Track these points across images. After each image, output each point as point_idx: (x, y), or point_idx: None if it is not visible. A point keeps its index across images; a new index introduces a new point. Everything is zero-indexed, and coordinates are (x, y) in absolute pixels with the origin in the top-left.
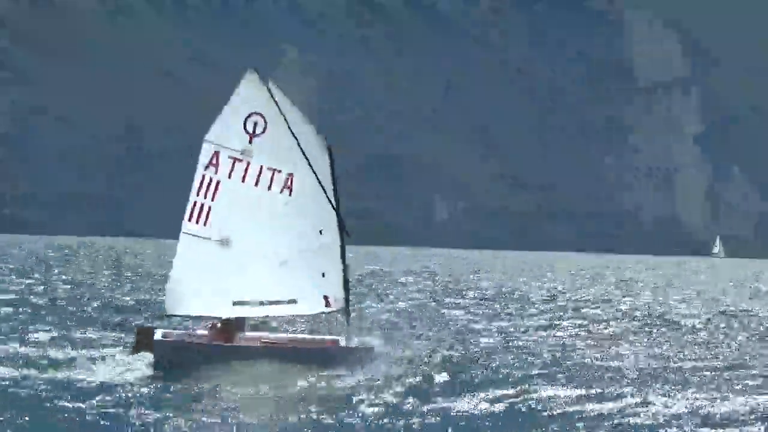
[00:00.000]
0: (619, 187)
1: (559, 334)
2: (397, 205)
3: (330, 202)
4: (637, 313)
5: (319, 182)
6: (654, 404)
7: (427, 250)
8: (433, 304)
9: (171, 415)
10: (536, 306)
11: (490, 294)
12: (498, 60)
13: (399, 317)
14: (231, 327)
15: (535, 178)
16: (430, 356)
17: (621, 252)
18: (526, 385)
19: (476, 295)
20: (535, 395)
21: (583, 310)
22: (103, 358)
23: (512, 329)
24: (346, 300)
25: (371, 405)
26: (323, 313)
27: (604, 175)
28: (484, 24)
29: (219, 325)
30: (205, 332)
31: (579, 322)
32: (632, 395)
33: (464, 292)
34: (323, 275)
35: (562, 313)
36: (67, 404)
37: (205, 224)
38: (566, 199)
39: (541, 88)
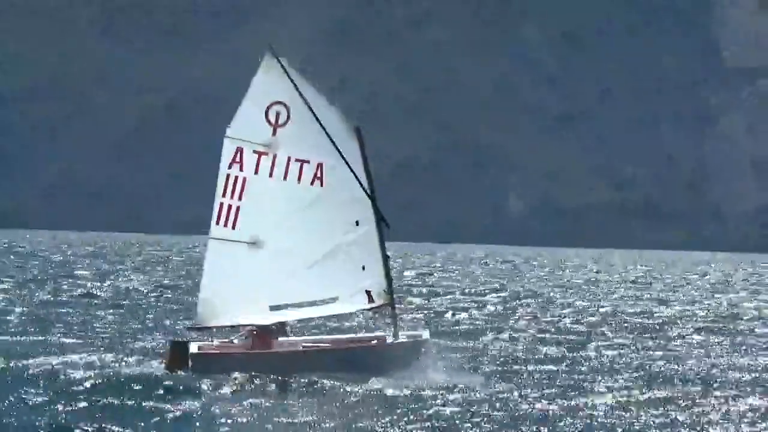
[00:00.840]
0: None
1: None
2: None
3: (364, 189)
4: None
5: (351, 169)
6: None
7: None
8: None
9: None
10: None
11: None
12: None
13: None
14: (268, 334)
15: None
16: (484, 347)
17: (709, 249)
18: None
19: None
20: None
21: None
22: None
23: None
24: (390, 294)
25: (422, 406)
26: (366, 310)
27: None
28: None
29: (255, 332)
30: (242, 342)
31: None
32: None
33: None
34: (363, 269)
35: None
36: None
37: (234, 227)
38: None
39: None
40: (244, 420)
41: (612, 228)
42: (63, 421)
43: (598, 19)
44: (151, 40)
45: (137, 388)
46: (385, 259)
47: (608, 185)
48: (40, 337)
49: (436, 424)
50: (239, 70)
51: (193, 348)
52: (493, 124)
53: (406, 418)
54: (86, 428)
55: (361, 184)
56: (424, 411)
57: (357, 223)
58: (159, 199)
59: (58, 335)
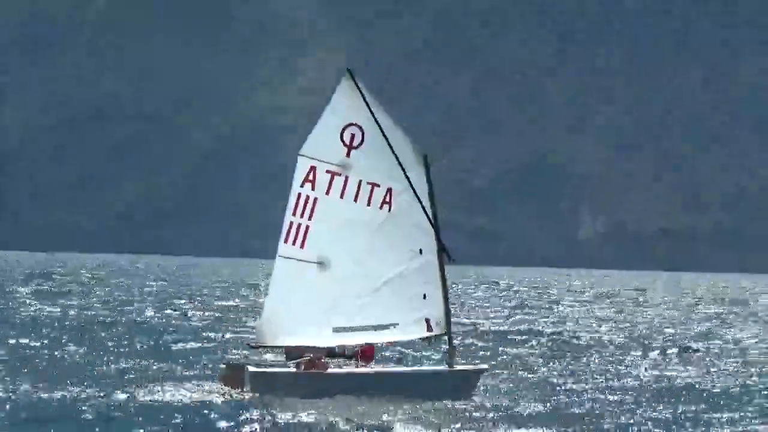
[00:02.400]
0: None
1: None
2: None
3: (429, 219)
4: None
5: (417, 197)
6: None
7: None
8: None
9: None
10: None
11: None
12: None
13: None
14: (322, 362)
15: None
16: (540, 379)
17: None
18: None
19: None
20: None
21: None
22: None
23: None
24: (448, 324)
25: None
26: (424, 338)
27: None
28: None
29: (309, 360)
30: (295, 369)
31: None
32: None
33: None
34: (424, 297)
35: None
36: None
37: (302, 246)
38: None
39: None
40: None
41: (686, 252)
42: None
43: (675, 34)
44: (228, 62)
45: (195, 408)
46: (445, 289)
47: (682, 209)
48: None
49: None
50: (314, 96)
51: (250, 368)
52: (564, 146)
53: None
54: None
55: (426, 213)
56: None
57: (420, 251)
58: (240, 222)
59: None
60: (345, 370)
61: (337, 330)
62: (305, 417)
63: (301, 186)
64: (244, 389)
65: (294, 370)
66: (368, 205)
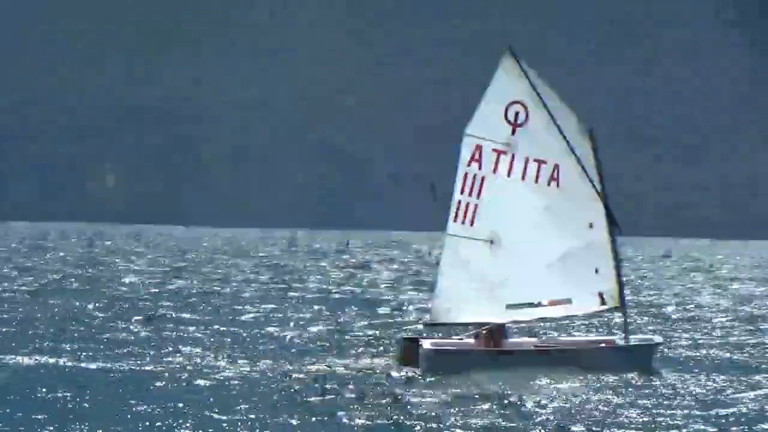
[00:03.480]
0: None
1: None
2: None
3: (597, 192)
4: None
5: (585, 172)
6: None
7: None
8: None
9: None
10: None
11: None
12: None
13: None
14: (497, 334)
15: None
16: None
17: None
18: None
19: None
20: None
21: None
22: (368, 369)
23: None
24: (622, 296)
25: (648, 410)
26: (598, 312)
27: None
28: None
29: (485, 332)
30: (471, 341)
31: None
32: None
33: None
34: (596, 271)
35: None
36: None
37: (471, 224)
38: None
39: None
40: (474, 422)
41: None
42: (289, 415)
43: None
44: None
45: (369, 384)
46: (617, 262)
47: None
48: (269, 335)
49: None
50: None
51: (425, 344)
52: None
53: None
54: (312, 424)
55: (595, 187)
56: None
57: (591, 225)
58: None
59: (291, 331)
60: (521, 345)
61: (510, 306)
62: (480, 396)
63: (468, 165)
64: (418, 366)
65: (470, 346)
66: (536, 181)
